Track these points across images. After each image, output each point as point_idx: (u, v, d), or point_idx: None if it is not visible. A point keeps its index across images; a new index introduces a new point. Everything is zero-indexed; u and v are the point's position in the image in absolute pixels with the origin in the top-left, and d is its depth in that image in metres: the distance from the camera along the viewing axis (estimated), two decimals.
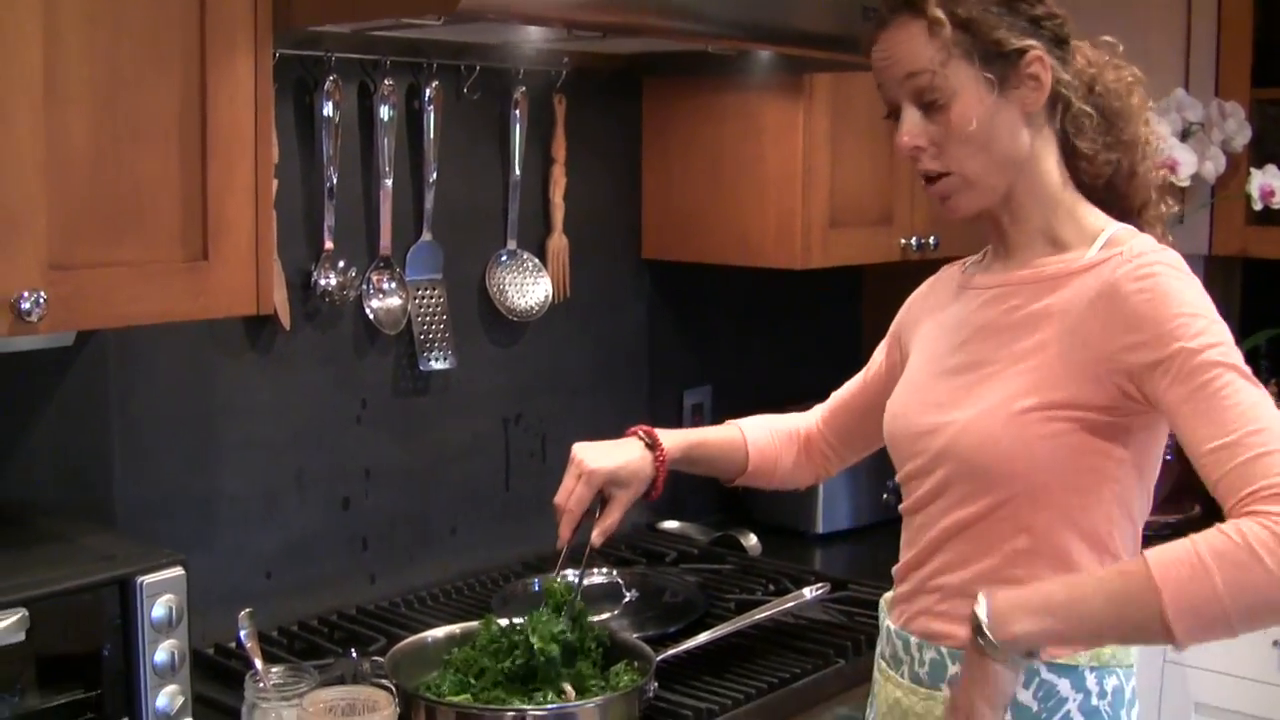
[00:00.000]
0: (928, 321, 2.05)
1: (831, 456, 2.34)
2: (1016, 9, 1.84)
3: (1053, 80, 1.84)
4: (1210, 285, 3.49)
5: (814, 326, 3.52)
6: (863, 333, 3.55)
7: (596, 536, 2.17)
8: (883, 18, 1.88)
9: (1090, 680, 1.83)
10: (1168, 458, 3.15)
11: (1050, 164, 1.89)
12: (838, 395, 2.32)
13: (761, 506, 3.22)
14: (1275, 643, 3.01)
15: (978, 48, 1.82)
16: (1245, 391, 1.68)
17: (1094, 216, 1.89)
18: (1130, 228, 1.87)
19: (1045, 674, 1.82)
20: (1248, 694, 3.07)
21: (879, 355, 2.23)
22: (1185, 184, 3.28)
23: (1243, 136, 3.34)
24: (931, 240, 3.11)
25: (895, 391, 2.04)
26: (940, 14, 1.82)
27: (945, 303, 2.03)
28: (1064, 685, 1.83)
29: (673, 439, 2.25)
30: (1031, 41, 1.83)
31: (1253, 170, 3.31)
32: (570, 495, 2.15)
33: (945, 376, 1.93)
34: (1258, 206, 3.30)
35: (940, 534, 1.88)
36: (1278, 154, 3.48)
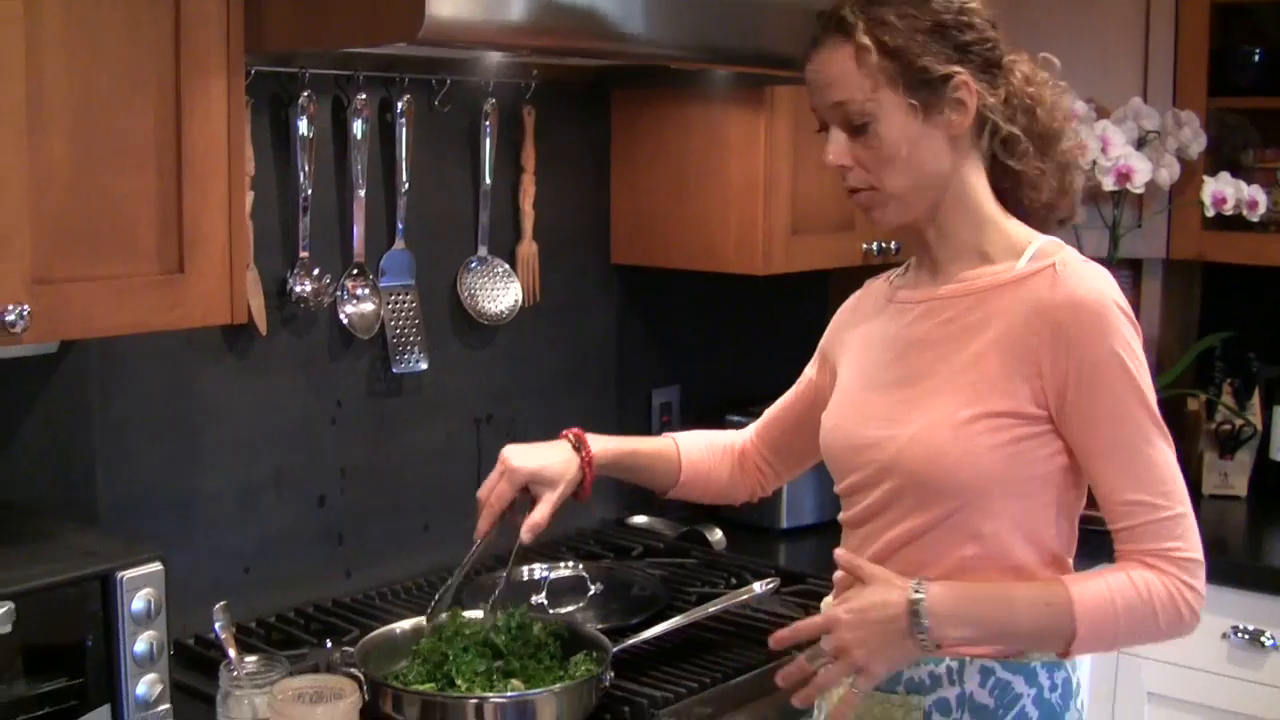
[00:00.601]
0: (855, 336, 2.10)
1: (767, 471, 2.40)
2: (945, 35, 1.88)
3: (979, 104, 1.89)
4: (1170, 288, 3.62)
5: (780, 328, 3.57)
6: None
7: (525, 533, 2.21)
8: (816, 37, 1.93)
9: (1042, 676, 1.91)
10: None
11: (977, 181, 1.94)
12: (770, 411, 2.37)
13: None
14: (1224, 635, 3.08)
15: (903, 75, 1.87)
16: (1162, 449, 1.83)
17: (1019, 229, 1.95)
18: (1057, 240, 1.94)
19: (1000, 673, 1.90)
20: (1198, 684, 3.14)
21: (809, 371, 2.29)
22: (1140, 191, 3.35)
23: (1198, 144, 3.40)
24: (893, 245, 3.17)
25: (830, 406, 2.09)
26: (867, 41, 1.86)
27: (871, 316, 2.08)
28: (1018, 682, 1.90)
29: (602, 444, 2.30)
30: (957, 68, 1.87)
31: (1206, 178, 3.38)
32: (492, 490, 2.22)
33: (883, 390, 1.98)
34: (1210, 213, 3.37)
35: (887, 545, 1.95)
36: (1234, 161, 3.56)
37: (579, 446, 2.28)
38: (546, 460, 2.24)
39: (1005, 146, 1.94)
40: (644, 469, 2.37)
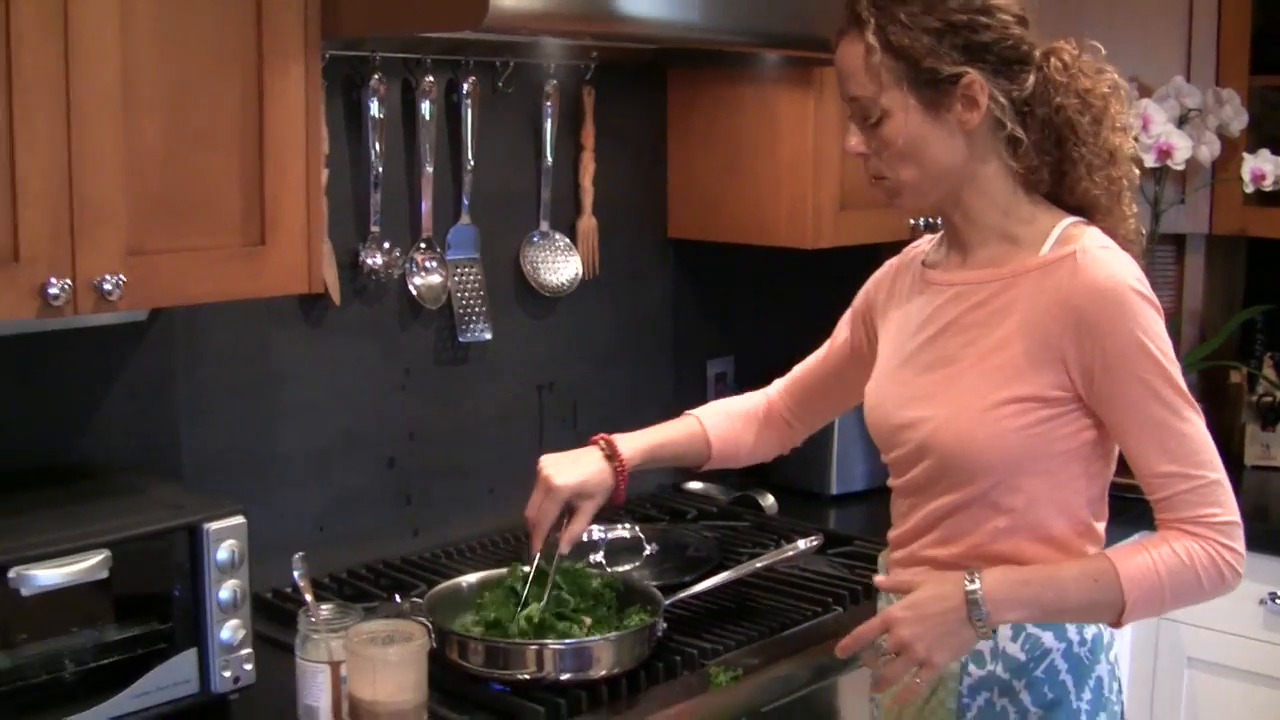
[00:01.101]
0: (894, 313, 2.16)
1: (795, 426, 2.45)
2: (955, 34, 1.90)
3: (990, 102, 1.91)
4: (1212, 263, 3.68)
5: (831, 299, 3.56)
6: None
7: (564, 545, 2.28)
8: (841, 26, 1.98)
9: (1071, 631, 2.00)
10: None
11: (997, 170, 1.97)
12: (798, 369, 2.43)
13: (779, 469, 3.36)
14: (1261, 601, 3.15)
15: (909, 74, 1.90)
16: (1192, 422, 1.90)
17: (1045, 213, 1.99)
18: (1080, 221, 1.98)
19: (1031, 629, 1.98)
20: (1237, 648, 3.21)
21: (841, 331, 2.35)
22: (1180, 167, 3.42)
23: (1239, 122, 3.46)
24: (939, 220, 3.26)
25: (871, 383, 2.16)
26: (874, 40, 1.91)
27: (909, 295, 2.13)
28: (1048, 637, 1.99)
29: (632, 446, 2.33)
30: (966, 68, 1.90)
31: (1245, 155, 3.44)
32: (538, 509, 2.27)
33: (918, 371, 2.05)
34: (1249, 189, 3.42)
35: (929, 515, 2.04)
36: (1276, 137, 3.61)
37: (612, 455, 2.32)
38: (585, 474, 2.28)
39: (1013, 147, 1.97)
40: (675, 456, 2.43)
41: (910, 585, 1.96)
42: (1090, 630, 2.02)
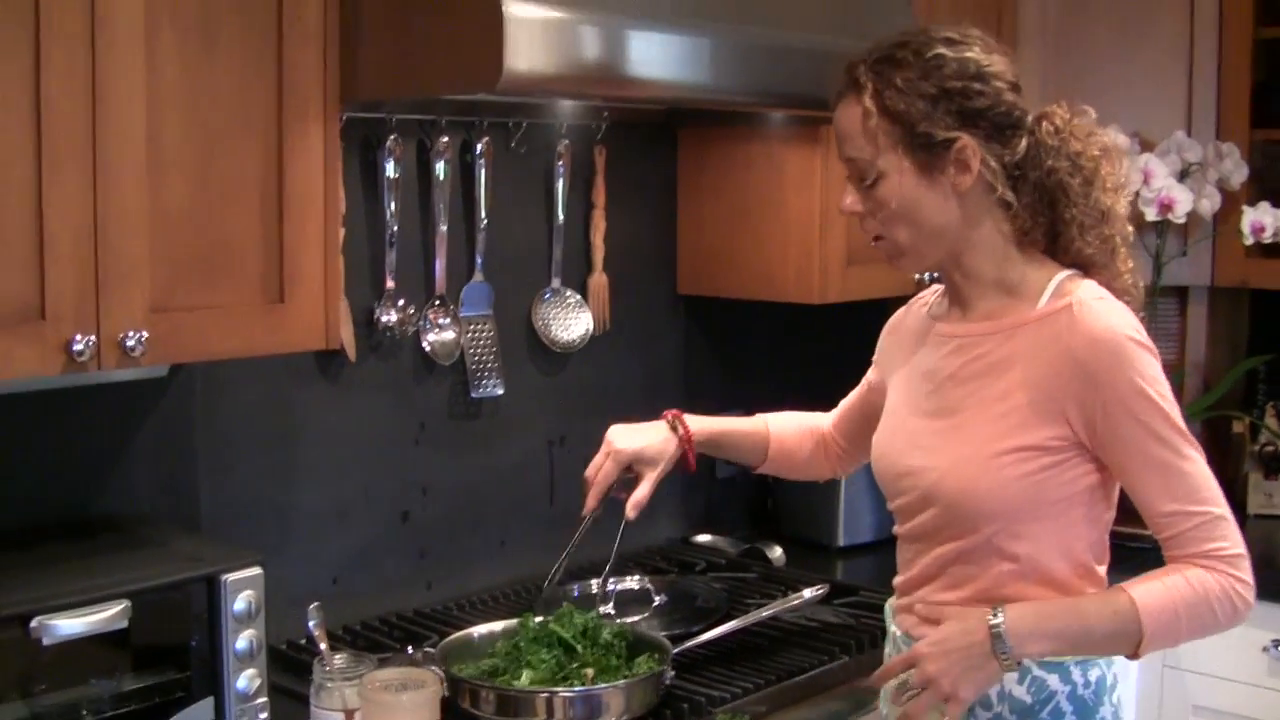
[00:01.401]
0: (900, 363, 2.22)
1: (845, 456, 2.53)
2: (950, 100, 1.96)
3: (982, 167, 1.97)
4: (1215, 314, 3.72)
5: (841, 354, 3.60)
6: None
7: (630, 510, 2.37)
8: (840, 89, 2.04)
9: (1076, 674, 2.04)
10: None
11: (990, 230, 2.03)
12: (843, 403, 2.51)
13: (787, 521, 3.43)
14: (1265, 649, 3.17)
15: (905, 138, 1.97)
16: (1194, 461, 1.96)
17: (1041, 268, 2.05)
18: (1075, 274, 2.04)
19: (1036, 671, 2.03)
20: (1241, 696, 3.23)
21: (869, 375, 2.42)
22: (1181, 221, 3.47)
23: (1239, 175, 3.51)
24: None
25: (878, 432, 2.22)
26: (871, 105, 1.97)
27: (915, 346, 2.19)
28: (1053, 680, 2.04)
29: (700, 424, 2.45)
30: (959, 133, 1.96)
31: (1245, 208, 3.48)
32: (598, 469, 2.38)
33: (922, 419, 2.11)
34: (1248, 241, 3.47)
35: (935, 561, 2.09)
36: (1276, 190, 3.65)
37: (676, 426, 2.43)
38: (648, 440, 2.40)
39: (1003, 207, 2.03)
40: (736, 446, 2.53)
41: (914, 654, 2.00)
42: (1094, 672, 2.06)
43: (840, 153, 2.06)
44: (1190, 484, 1.96)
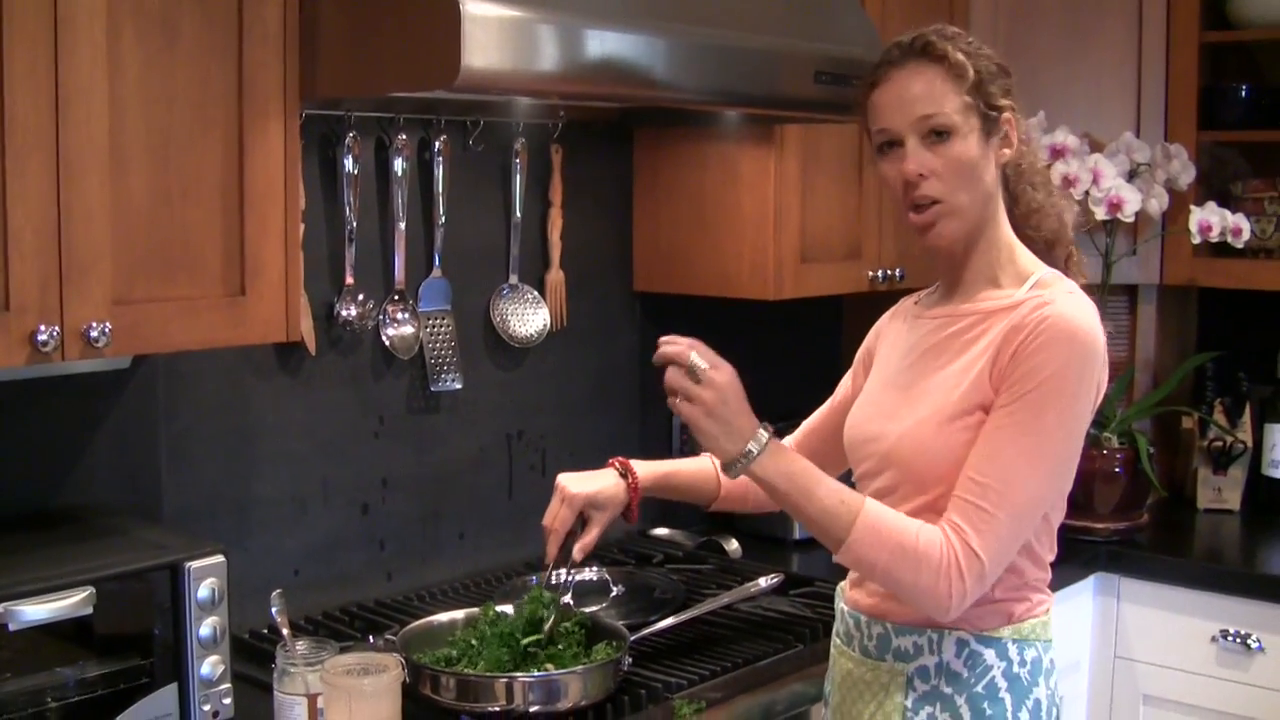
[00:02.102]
0: (886, 348, 2.30)
1: None
2: (1002, 74, 2.11)
3: (1017, 139, 2.11)
4: (1165, 312, 3.79)
5: (797, 352, 3.73)
6: (841, 358, 3.76)
7: (577, 553, 2.42)
8: (895, 60, 2.11)
9: (1012, 651, 2.10)
10: (1116, 470, 3.43)
11: (1001, 209, 2.16)
12: (807, 423, 2.55)
13: (743, 515, 3.46)
14: (1213, 639, 3.24)
15: (980, 100, 2.07)
16: (1030, 464, 1.99)
17: (1027, 260, 2.16)
18: (1056, 272, 2.14)
19: (974, 645, 2.09)
20: (1190, 685, 3.29)
21: (845, 383, 2.47)
22: (1129, 220, 3.52)
23: (1187, 176, 3.58)
24: (897, 273, 3.36)
25: (854, 406, 2.29)
26: (964, 60, 2.06)
27: (901, 329, 2.28)
28: (989, 655, 2.09)
29: (646, 469, 2.49)
30: (1010, 104, 2.11)
31: (1193, 207, 3.55)
32: (555, 517, 2.41)
33: (892, 391, 2.19)
34: (1196, 240, 3.53)
35: None
36: (1225, 191, 3.73)
37: (625, 474, 2.47)
38: (600, 486, 2.44)
39: (1030, 180, 2.17)
40: (684, 488, 2.56)
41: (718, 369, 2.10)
42: (1030, 653, 2.12)
43: (904, 117, 2.09)
44: (1004, 475, 1.99)
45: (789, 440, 2.56)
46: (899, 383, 2.20)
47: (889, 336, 2.33)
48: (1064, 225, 2.23)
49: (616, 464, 2.49)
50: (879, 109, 2.12)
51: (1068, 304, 2.05)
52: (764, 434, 2.02)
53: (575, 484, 2.43)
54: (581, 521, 2.44)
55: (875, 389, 2.27)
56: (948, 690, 2.10)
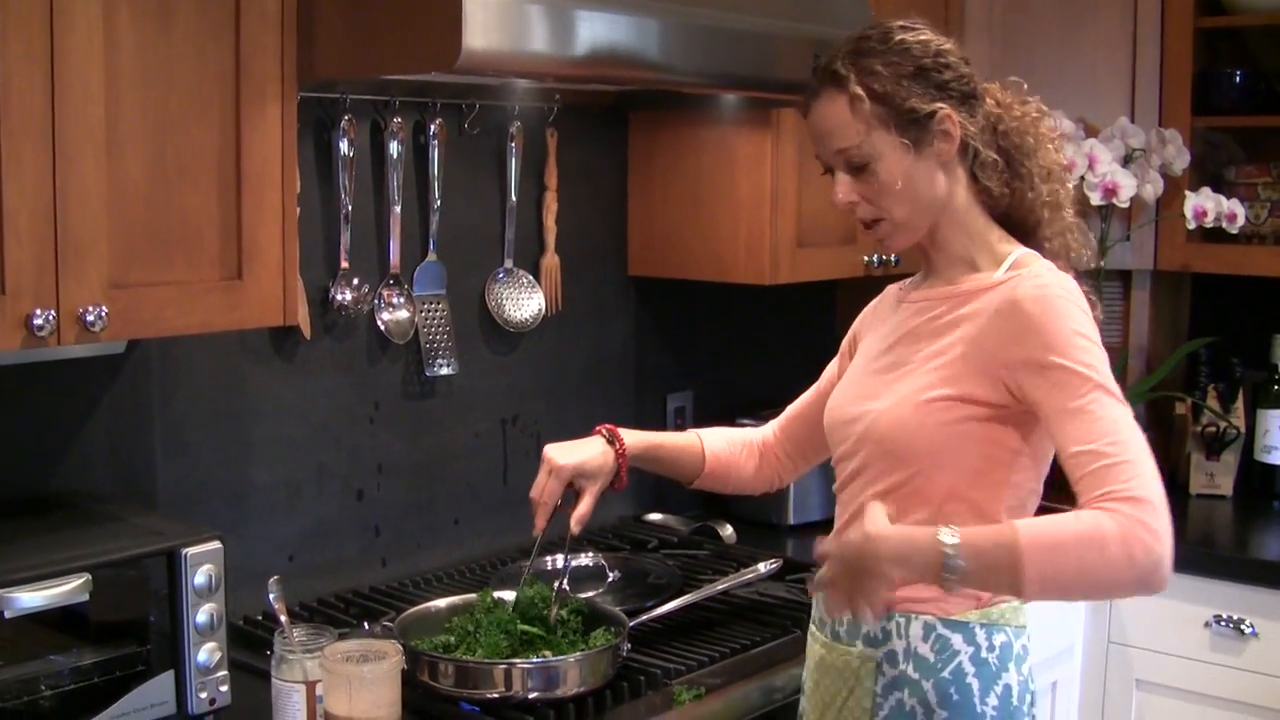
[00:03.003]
0: (870, 334, 2.31)
1: (786, 464, 2.56)
2: (926, 77, 2.07)
3: (963, 132, 2.09)
4: (1158, 297, 3.79)
5: (789, 336, 3.72)
6: (835, 343, 3.76)
7: (574, 524, 2.39)
8: (814, 89, 2.12)
9: (980, 636, 2.09)
10: None
11: (964, 198, 2.14)
12: (792, 407, 2.54)
13: (738, 500, 3.43)
14: (1206, 624, 3.24)
15: (893, 117, 2.06)
16: (1110, 407, 1.94)
17: (1003, 242, 2.15)
18: (1033, 252, 2.14)
19: (940, 629, 2.08)
20: (1184, 670, 3.29)
21: (831, 368, 2.47)
22: (1125, 205, 3.54)
23: (1181, 161, 3.59)
24: (893, 258, 3.34)
25: (836, 389, 2.30)
26: (860, 91, 2.06)
27: (886, 316, 2.28)
28: (956, 640, 2.08)
29: (634, 438, 2.47)
30: (940, 104, 2.07)
31: (1188, 193, 3.56)
32: (543, 489, 2.39)
33: (874, 374, 2.19)
34: (1191, 225, 3.54)
35: (858, 508, 2.10)
36: (1218, 177, 3.75)
37: (613, 440, 2.45)
38: (587, 455, 2.42)
39: (983, 169, 2.13)
40: (671, 461, 2.54)
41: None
42: (999, 638, 2.10)
43: (824, 150, 2.13)
44: (1103, 428, 1.91)
45: (773, 425, 2.57)
46: (879, 365, 2.20)
47: (873, 323, 2.33)
48: (1043, 221, 2.18)
49: (604, 431, 2.47)
50: (810, 138, 2.17)
51: (1047, 276, 2.05)
52: (948, 534, 1.88)
53: (562, 454, 2.41)
54: (573, 493, 2.42)
55: (857, 372, 2.27)
56: (915, 675, 2.09)
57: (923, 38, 2.10)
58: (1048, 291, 2.02)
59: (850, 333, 2.44)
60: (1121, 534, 1.82)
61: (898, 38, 2.09)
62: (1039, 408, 2.00)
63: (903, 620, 2.10)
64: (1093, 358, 1.98)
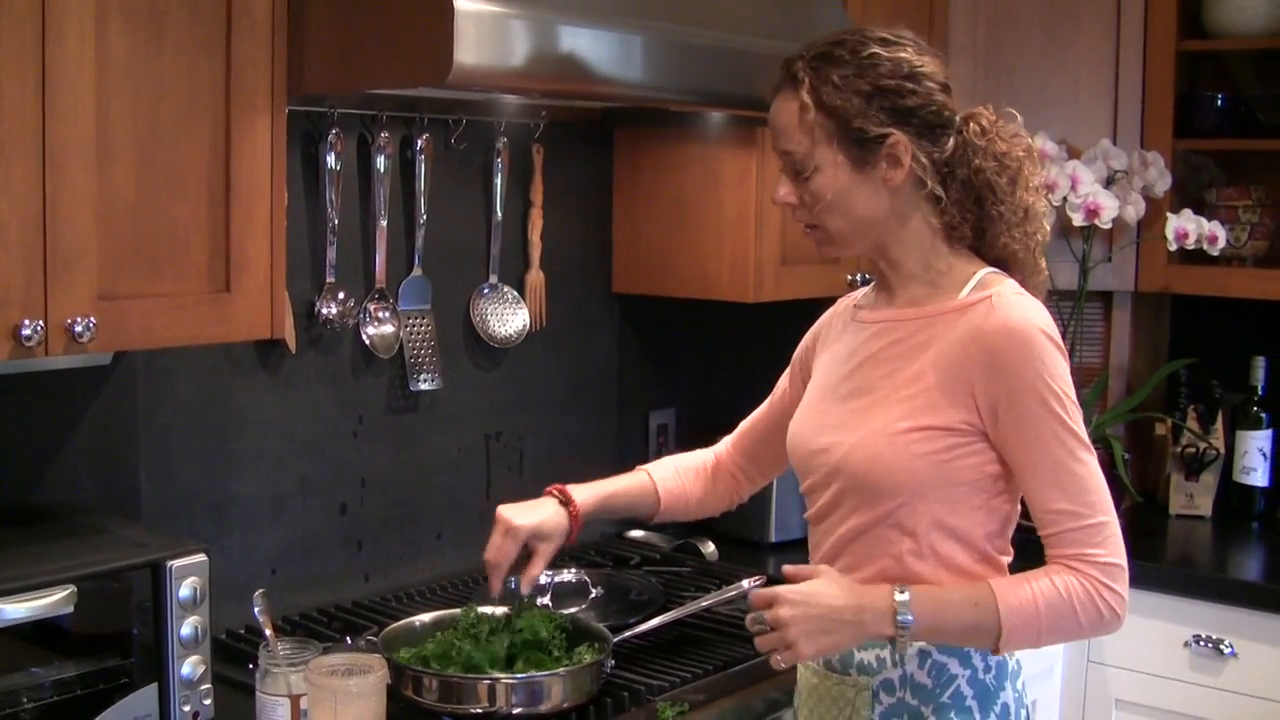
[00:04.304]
0: (825, 352, 2.28)
1: (742, 480, 2.56)
2: (884, 98, 2.02)
3: (913, 163, 2.04)
4: (1139, 319, 3.81)
5: (770, 352, 3.64)
6: None
7: (524, 585, 2.39)
8: (778, 83, 2.10)
9: (976, 658, 2.09)
10: None
11: (919, 223, 2.09)
12: (744, 424, 2.54)
13: (720, 518, 3.41)
14: (1185, 644, 3.25)
15: (839, 132, 2.03)
16: (1081, 460, 2.01)
17: (964, 262, 2.11)
18: (997, 271, 2.11)
19: (936, 655, 2.08)
20: (1163, 690, 3.30)
21: (783, 383, 2.46)
22: (1107, 226, 3.55)
23: (1163, 183, 3.60)
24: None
25: (795, 414, 2.26)
26: (808, 99, 2.03)
27: (840, 334, 2.25)
28: (953, 664, 2.08)
29: (584, 494, 2.44)
30: (893, 130, 2.02)
31: (1169, 215, 3.57)
32: (498, 550, 2.37)
33: (838, 401, 2.16)
34: (1172, 247, 3.56)
35: (839, 540, 2.13)
36: (1199, 199, 3.76)
37: (566, 502, 2.43)
38: (542, 517, 2.40)
39: (932, 202, 2.09)
40: (625, 508, 2.54)
41: (813, 573, 2.04)
42: (995, 658, 2.11)
43: (775, 145, 2.12)
44: (1080, 485, 2.00)
45: (727, 442, 2.57)
46: (841, 391, 2.17)
47: (828, 340, 2.30)
48: (1025, 253, 2.15)
49: (555, 492, 2.45)
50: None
51: (1017, 306, 2.03)
52: (899, 594, 2.00)
53: (518, 516, 2.39)
54: (526, 553, 2.40)
55: (816, 398, 2.23)
56: (914, 702, 2.09)
57: (900, 55, 2.05)
58: (1025, 328, 2.01)
59: (802, 346, 2.42)
60: (1089, 598, 1.99)
61: (870, 51, 2.04)
62: (1011, 451, 2.03)
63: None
64: (1071, 406, 2.01)
